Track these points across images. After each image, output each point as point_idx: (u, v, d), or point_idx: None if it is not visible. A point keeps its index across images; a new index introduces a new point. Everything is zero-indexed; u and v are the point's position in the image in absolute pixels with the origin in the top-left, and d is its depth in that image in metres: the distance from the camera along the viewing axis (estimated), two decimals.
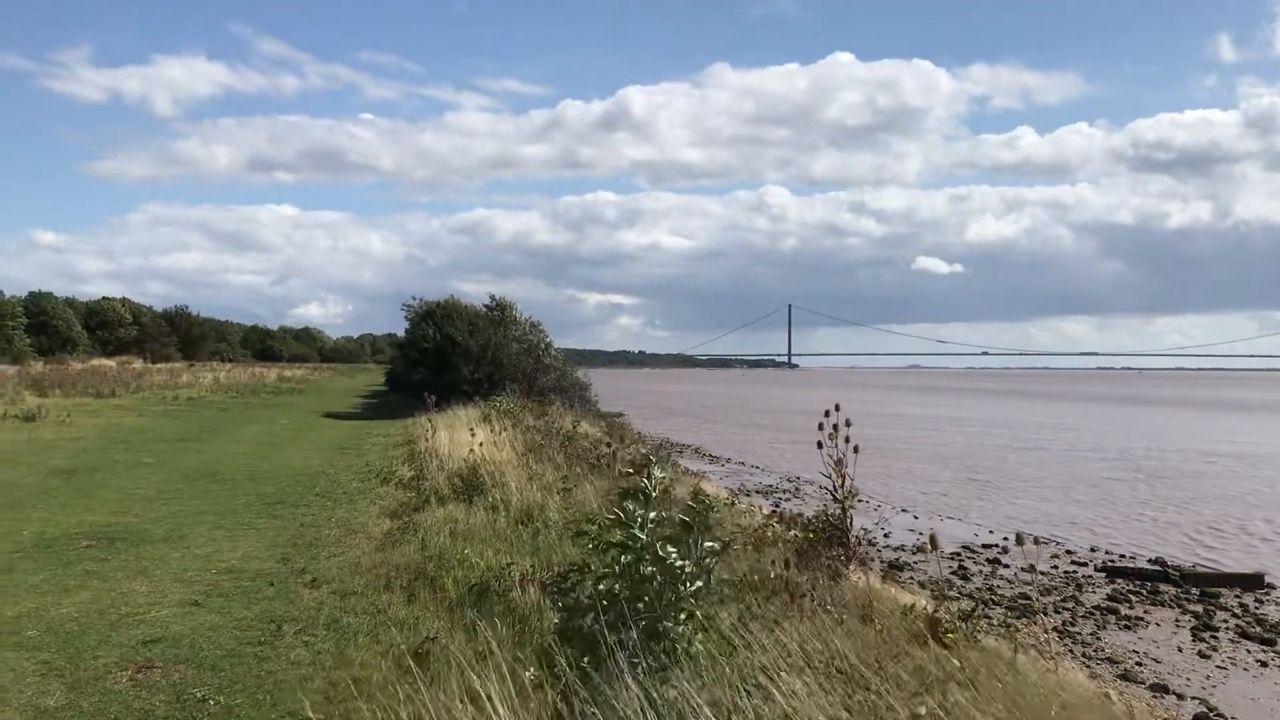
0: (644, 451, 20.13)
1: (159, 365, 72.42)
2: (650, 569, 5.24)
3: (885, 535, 22.38)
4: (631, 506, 5.47)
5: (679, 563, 5.16)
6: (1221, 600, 16.49)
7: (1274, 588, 17.58)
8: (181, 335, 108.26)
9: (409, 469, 18.01)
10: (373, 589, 9.39)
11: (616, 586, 5.40)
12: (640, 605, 5.23)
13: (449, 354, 37.88)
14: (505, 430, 19.65)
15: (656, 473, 5.55)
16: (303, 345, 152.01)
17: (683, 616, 5.19)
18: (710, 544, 5.30)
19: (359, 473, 18.76)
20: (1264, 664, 13.15)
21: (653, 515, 5.49)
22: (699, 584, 5.24)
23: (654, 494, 5.52)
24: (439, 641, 6.83)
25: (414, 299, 43.34)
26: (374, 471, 18.70)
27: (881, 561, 18.98)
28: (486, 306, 42.47)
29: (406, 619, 8.26)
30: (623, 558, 5.35)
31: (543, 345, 41.27)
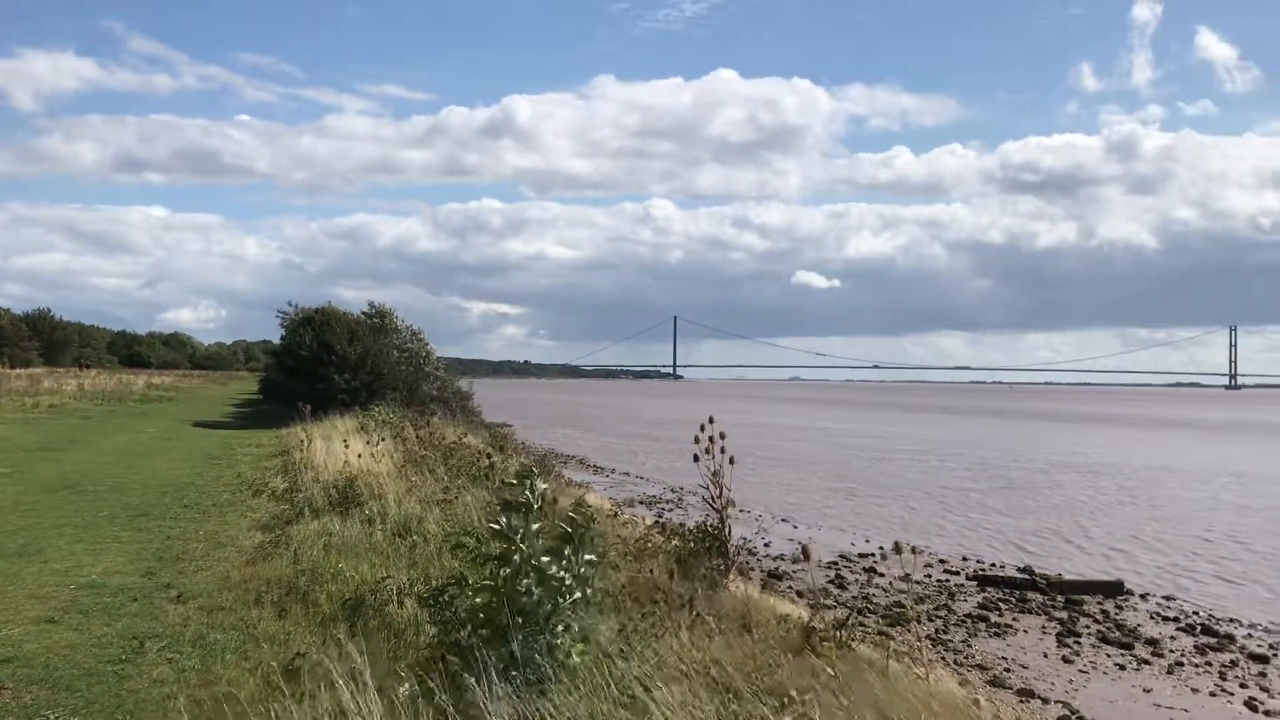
0: (527, 462, 20.03)
1: (18, 371, 69.10)
2: (529, 581, 5.19)
3: (765, 544, 22.65)
4: (512, 519, 5.41)
5: (558, 575, 5.13)
6: (1085, 607, 17.16)
7: (1132, 594, 18.38)
8: (44, 340, 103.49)
9: (282, 480, 17.54)
10: (242, 604, 9.10)
11: (495, 599, 5.33)
12: (519, 618, 5.17)
13: (326, 362, 37.05)
14: (384, 441, 19.31)
15: (539, 484, 5.51)
16: (172, 352, 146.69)
17: (561, 629, 5.15)
18: (589, 556, 5.27)
19: (230, 484, 18.20)
20: (1122, 667, 13.73)
21: (534, 527, 5.44)
22: (578, 596, 5.21)
23: (535, 506, 5.47)
24: (310, 657, 6.64)
25: (290, 305, 42.25)
26: (245, 483, 18.15)
27: (761, 571, 19.21)
28: (366, 314, 41.73)
29: (277, 635, 8.02)
30: (501, 570, 5.29)
31: (424, 354, 40.72)
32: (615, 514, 15.62)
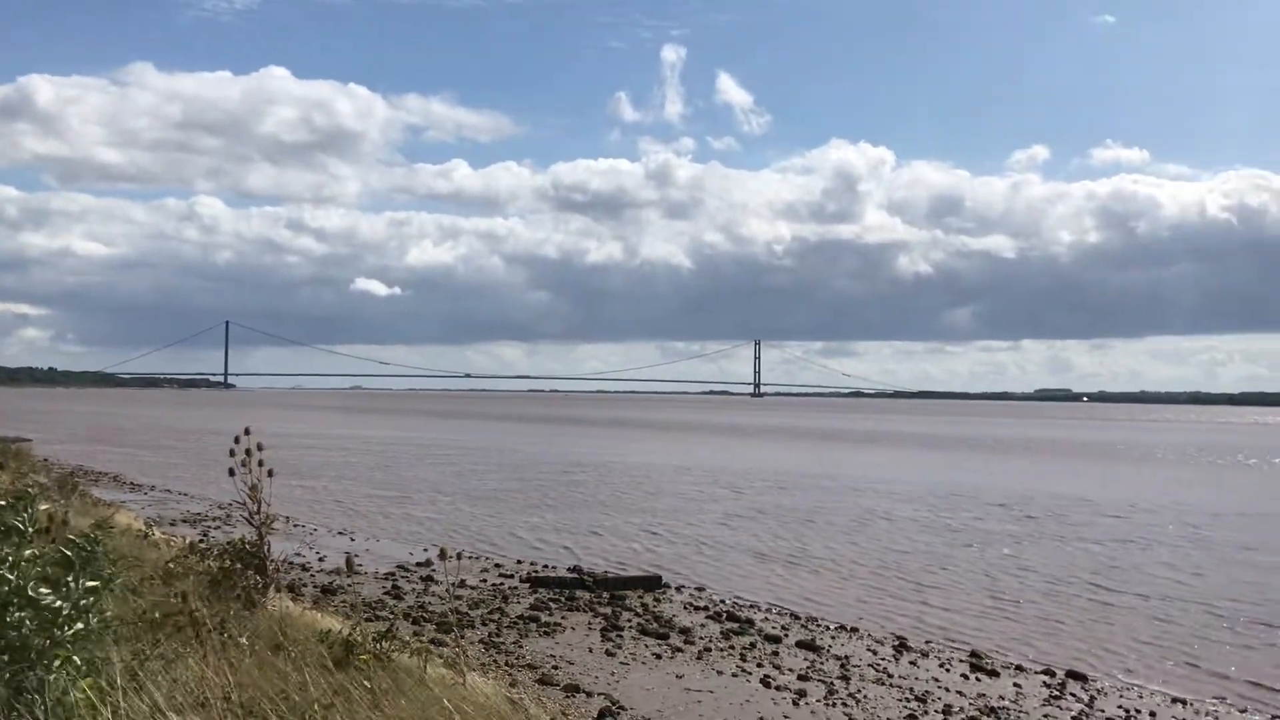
0: (43, 481, 17.99)
1: None
2: (20, 614, 4.59)
3: (320, 559, 21.98)
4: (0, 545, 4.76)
5: (54, 604, 4.58)
6: (627, 602, 18.28)
7: (669, 587, 19.87)
8: None
9: None
10: None
11: None
12: (6, 655, 4.57)
13: None
14: None
15: (38, 505, 4.89)
16: None
17: (58, 663, 4.61)
18: (92, 583, 4.76)
19: None
20: (659, 656, 14.75)
21: (28, 553, 4.82)
22: (79, 626, 4.69)
23: (29, 529, 4.86)
24: None
25: None
26: None
27: (315, 586, 18.63)
28: None
29: None
30: None
31: None
32: (146, 534, 14.42)
